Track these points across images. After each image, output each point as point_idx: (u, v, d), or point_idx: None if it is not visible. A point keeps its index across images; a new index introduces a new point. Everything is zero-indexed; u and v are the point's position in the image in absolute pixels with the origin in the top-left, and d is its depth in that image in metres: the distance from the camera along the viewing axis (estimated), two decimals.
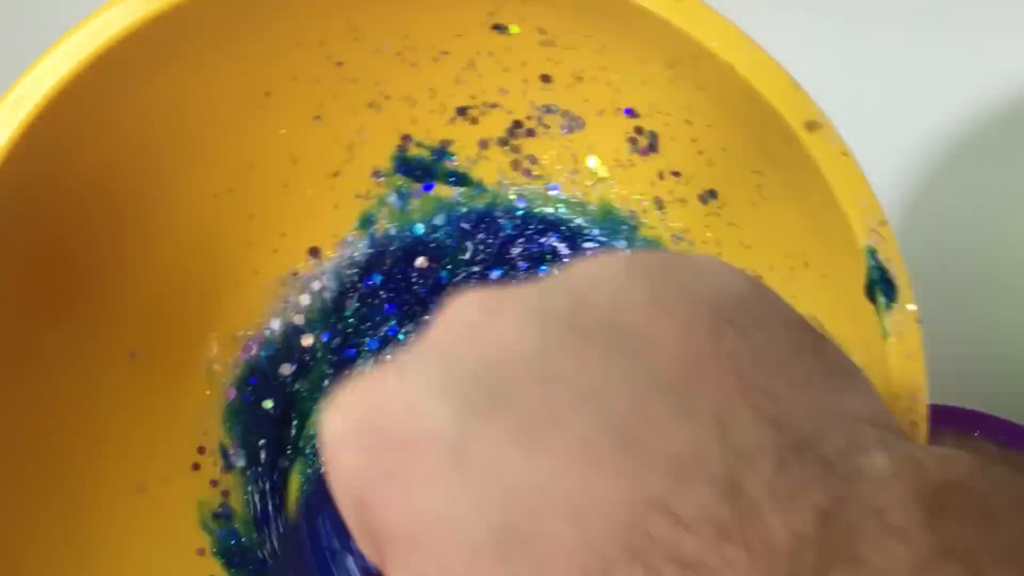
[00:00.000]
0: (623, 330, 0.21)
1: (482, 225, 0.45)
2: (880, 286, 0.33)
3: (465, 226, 0.45)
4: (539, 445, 0.20)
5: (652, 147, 0.41)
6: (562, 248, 0.44)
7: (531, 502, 0.19)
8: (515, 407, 0.20)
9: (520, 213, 0.44)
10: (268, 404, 0.44)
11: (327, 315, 0.45)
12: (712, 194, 0.40)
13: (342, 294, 0.45)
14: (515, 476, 0.20)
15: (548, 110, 0.42)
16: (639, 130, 0.41)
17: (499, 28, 0.39)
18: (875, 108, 0.51)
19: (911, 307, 0.33)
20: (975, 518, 0.19)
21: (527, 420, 0.20)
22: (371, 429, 0.22)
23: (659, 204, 0.42)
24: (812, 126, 0.34)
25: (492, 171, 0.44)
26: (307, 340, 0.45)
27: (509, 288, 0.23)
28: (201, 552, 0.42)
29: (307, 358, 0.45)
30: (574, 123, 0.42)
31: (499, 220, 0.44)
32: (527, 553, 0.19)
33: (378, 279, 0.44)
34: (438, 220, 0.44)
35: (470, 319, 0.23)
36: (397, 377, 0.22)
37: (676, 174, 0.41)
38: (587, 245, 0.44)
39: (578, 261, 0.23)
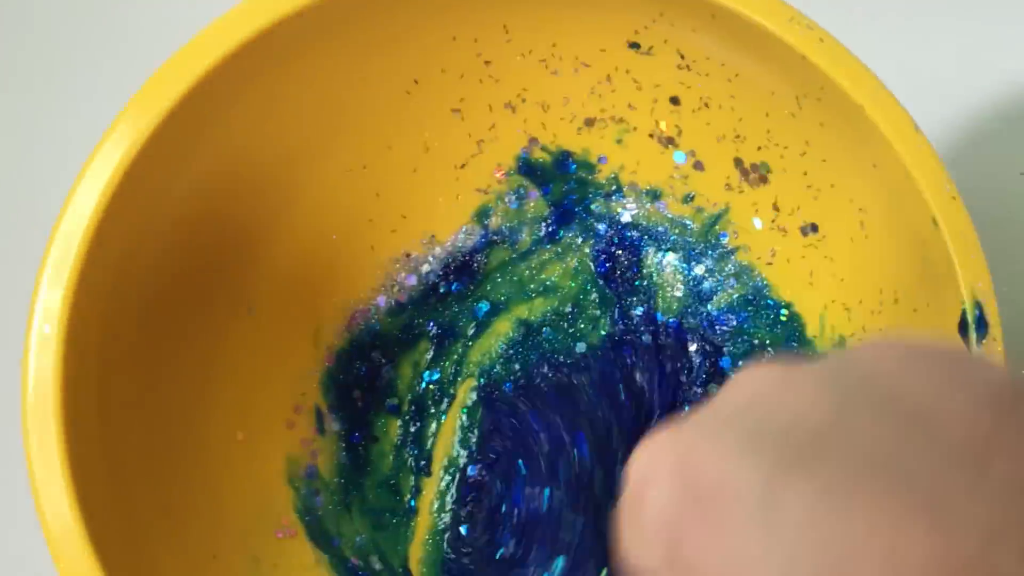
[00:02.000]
0: (912, 407, 0.23)
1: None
2: (976, 325, 0.36)
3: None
4: (847, 502, 0.21)
5: (763, 178, 0.44)
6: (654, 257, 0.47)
7: (843, 556, 0.21)
8: (820, 467, 0.22)
9: (623, 224, 0.47)
10: (356, 393, 0.47)
11: (427, 296, 0.47)
12: (814, 227, 0.43)
13: (446, 278, 0.47)
14: (825, 530, 0.21)
15: (666, 145, 0.45)
16: (751, 164, 0.44)
17: (636, 47, 0.42)
18: None
19: (998, 345, 0.36)
20: None
21: (833, 479, 0.22)
22: (682, 474, 0.25)
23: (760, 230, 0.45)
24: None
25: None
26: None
27: (796, 364, 0.26)
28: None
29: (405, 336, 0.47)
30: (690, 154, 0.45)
31: (597, 227, 0.48)
32: None
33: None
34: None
35: (766, 387, 0.25)
36: (701, 433, 0.25)
37: (776, 208, 0.45)
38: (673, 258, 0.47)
39: (858, 347, 0.26)
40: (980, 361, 0.25)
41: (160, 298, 0.40)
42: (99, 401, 0.36)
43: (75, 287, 0.35)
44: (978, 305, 0.36)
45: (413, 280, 0.47)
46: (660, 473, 0.26)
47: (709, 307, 0.47)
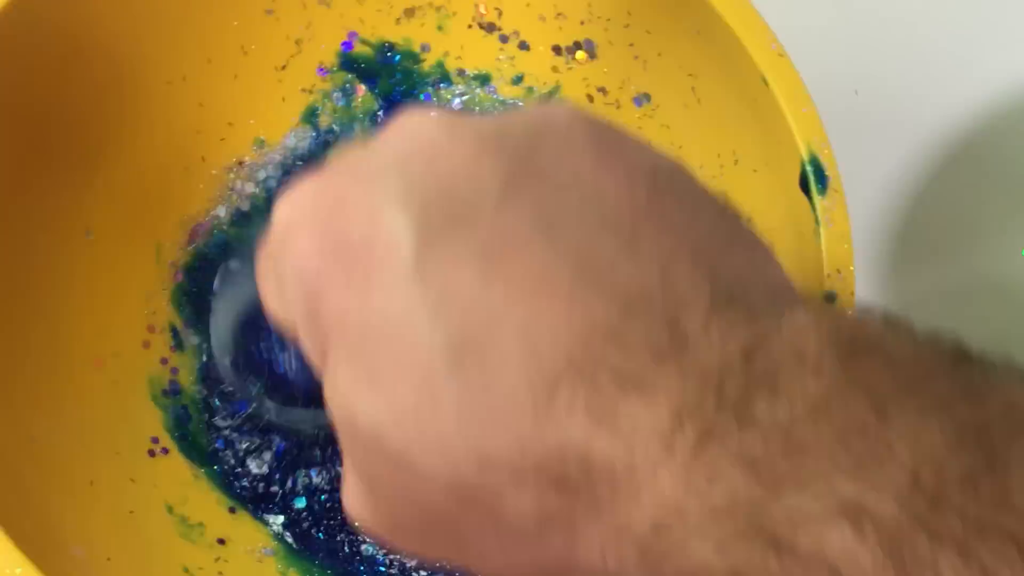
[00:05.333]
0: (572, 175, 0.24)
1: None
2: (816, 178, 0.37)
3: None
4: (496, 269, 0.22)
5: (590, 53, 0.44)
6: None
7: (486, 320, 0.22)
8: (474, 229, 0.23)
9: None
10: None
11: (270, 205, 0.47)
12: (646, 97, 0.44)
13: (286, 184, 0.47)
14: (472, 295, 0.22)
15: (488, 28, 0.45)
16: (575, 40, 0.44)
17: None
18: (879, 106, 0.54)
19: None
20: (882, 361, 0.21)
21: (485, 243, 0.22)
22: (328, 222, 0.24)
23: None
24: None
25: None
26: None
27: (465, 115, 0.25)
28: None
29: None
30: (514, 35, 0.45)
31: None
32: (478, 363, 0.22)
33: None
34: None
35: (428, 136, 0.25)
36: (354, 179, 0.24)
37: (606, 82, 0.45)
38: None
39: (529, 105, 0.26)
40: (643, 143, 0.26)
41: None
42: None
43: None
44: (815, 160, 0.37)
45: (251, 187, 0.46)
46: (305, 221, 0.25)
47: None
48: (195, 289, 0.46)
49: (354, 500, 0.27)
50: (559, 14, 0.43)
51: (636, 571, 0.22)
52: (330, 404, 0.25)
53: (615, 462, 0.21)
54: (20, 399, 0.40)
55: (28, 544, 0.34)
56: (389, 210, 0.23)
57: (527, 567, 0.24)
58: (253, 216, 0.47)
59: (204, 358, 0.46)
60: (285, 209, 0.26)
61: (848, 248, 0.35)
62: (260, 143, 0.46)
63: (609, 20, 0.43)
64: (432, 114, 0.25)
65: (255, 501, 0.45)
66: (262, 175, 0.47)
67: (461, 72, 0.46)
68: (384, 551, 0.44)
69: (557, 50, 0.45)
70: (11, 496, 0.36)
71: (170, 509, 0.43)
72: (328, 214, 0.24)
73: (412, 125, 0.25)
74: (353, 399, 0.24)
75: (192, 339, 0.46)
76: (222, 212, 0.46)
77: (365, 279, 0.23)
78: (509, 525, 0.23)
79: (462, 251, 0.22)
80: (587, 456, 0.22)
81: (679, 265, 0.23)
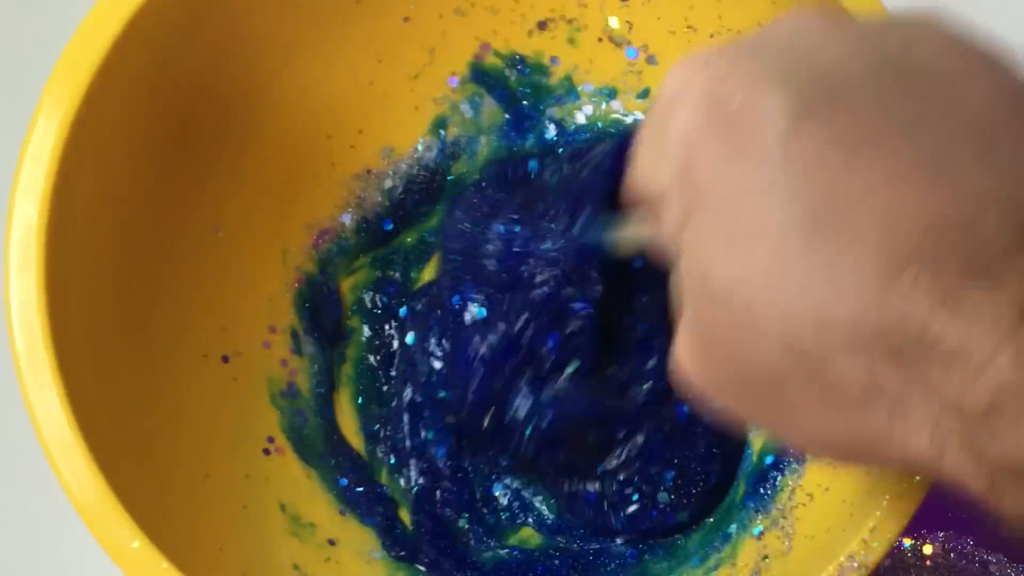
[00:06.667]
0: (938, 82, 0.25)
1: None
2: None
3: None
4: (859, 155, 0.24)
5: None
6: None
7: (844, 200, 0.23)
8: (844, 115, 0.24)
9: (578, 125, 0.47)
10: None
11: (393, 216, 0.48)
12: None
13: (410, 193, 0.47)
14: (834, 176, 0.24)
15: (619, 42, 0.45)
16: None
17: None
18: None
19: None
20: None
21: (853, 129, 0.24)
22: (711, 94, 0.26)
23: None
24: None
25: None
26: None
27: (848, 16, 0.27)
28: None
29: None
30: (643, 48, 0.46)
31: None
32: (832, 237, 0.23)
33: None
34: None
35: (810, 28, 0.26)
36: (739, 57, 0.26)
37: None
38: None
39: (901, 15, 0.27)
40: (1011, 63, 0.26)
41: (133, 219, 0.41)
42: (85, 327, 0.37)
43: (50, 203, 0.36)
44: None
45: (377, 196, 0.47)
46: (691, 92, 0.27)
47: None
48: (315, 296, 0.46)
49: (686, 355, 0.29)
50: (689, 27, 0.44)
51: (955, 453, 0.24)
52: (685, 262, 0.27)
53: (953, 342, 0.23)
54: (146, 389, 0.40)
55: (146, 523, 0.35)
56: (769, 86, 0.25)
57: (841, 434, 0.26)
58: (374, 225, 0.47)
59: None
60: (674, 80, 0.28)
61: None
62: (388, 151, 0.47)
63: (739, 32, 0.43)
64: (819, 13, 0.27)
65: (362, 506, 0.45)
66: (388, 184, 0.47)
67: (587, 86, 0.47)
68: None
69: None
70: (134, 480, 0.36)
71: (283, 507, 0.43)
72: (712, 86, 0.26)
73: (800, 17, 0.27)
74: (710, 256, 0.26)
75: (308, 347, 0.46)
76: (347, 219, 0.47)
77: (738, 149, 0.25)
78: (834, 390, 0.25)
79: (830, 134, 0.24)
80: (925, 332, 0.23)
81: None
